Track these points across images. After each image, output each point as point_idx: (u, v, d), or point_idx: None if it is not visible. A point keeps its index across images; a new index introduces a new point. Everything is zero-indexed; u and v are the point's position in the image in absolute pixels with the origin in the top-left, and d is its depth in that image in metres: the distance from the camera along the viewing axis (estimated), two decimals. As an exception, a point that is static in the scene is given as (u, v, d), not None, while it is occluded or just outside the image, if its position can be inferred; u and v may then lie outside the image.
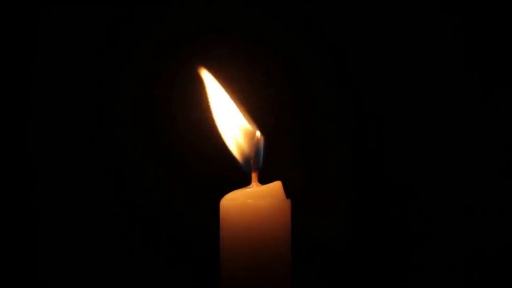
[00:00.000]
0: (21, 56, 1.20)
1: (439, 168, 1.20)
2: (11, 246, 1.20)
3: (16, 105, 1.20)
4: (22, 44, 1.20)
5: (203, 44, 1.19)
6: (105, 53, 1.21)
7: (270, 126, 0.87)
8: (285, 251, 0.80)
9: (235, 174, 0.86)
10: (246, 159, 0.84)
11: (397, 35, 1.20)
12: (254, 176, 0.83)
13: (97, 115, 1.22)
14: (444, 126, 1.20)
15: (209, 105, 0.87)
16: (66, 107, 1.21)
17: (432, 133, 1.20)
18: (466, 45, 1.19)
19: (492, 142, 1.19)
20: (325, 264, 1.20)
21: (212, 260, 0.84)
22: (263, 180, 0.83)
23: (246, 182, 0.84)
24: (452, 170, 1.19)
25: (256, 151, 0.83)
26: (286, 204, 0.81)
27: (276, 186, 0.82)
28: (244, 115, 0.86)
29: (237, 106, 0.86)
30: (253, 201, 0.80)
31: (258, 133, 0.84)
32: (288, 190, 0.82)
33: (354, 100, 1.21)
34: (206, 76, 0.87)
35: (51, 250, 1.20)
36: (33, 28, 1.20)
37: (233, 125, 0.86)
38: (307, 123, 1.22)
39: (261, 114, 0.87)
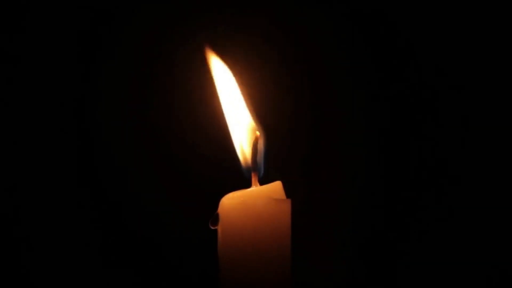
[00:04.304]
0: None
1: (438, 169, 1.20)
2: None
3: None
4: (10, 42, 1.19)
5: (208, 28, 1.17)
6: (98, 39, 1.20)
7: (270, 126, 0.87)
8: (285, 251, 0.80)
9: (235, 174, 0.86)
10: (248, 167, 0.84)
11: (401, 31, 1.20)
12: (254, 177, 0.83)
13: (95, 111, 1.21)
14: (448, 128, 1.20)
15: (220, 100, 0.86)
16: (63, 105, 1.21)
17: (433, 132, 1.20)
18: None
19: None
20: (326, 265, 1.20)
21: (212, 260, 0.84)
22: (263, 180, 0.83)
23: (246, 183, 0.84)
24: (456, 176, 1.19)
25: (256, 153, 0.83)
26: (286, 204, 0.81)
27: (276, 186, 0.82)
28: (251, 113, 0.86)
29: (246, 101, 0.86)
30: (253, 201, 0.80)
31: (258, 133, 0.84)
32: (288, 190, 0.83)
33: (354, 100, 1.21)
34: (216, 65, 0.86)
35: (49, 254, 1.20)
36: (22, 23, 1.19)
37: (241, 125, 0.85)
38: (307, 123, 1.22)
39: (260, 114, 0.87)
